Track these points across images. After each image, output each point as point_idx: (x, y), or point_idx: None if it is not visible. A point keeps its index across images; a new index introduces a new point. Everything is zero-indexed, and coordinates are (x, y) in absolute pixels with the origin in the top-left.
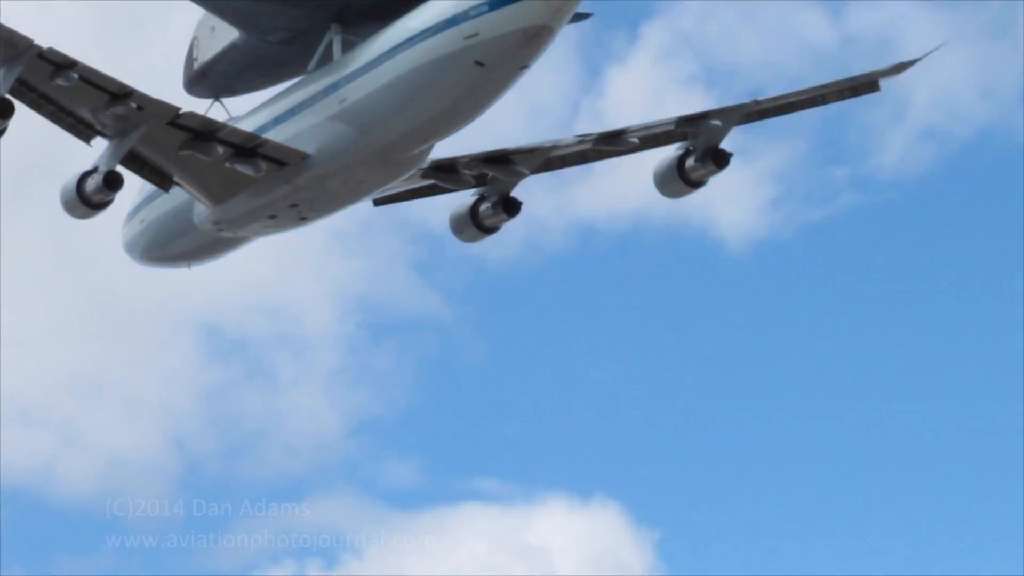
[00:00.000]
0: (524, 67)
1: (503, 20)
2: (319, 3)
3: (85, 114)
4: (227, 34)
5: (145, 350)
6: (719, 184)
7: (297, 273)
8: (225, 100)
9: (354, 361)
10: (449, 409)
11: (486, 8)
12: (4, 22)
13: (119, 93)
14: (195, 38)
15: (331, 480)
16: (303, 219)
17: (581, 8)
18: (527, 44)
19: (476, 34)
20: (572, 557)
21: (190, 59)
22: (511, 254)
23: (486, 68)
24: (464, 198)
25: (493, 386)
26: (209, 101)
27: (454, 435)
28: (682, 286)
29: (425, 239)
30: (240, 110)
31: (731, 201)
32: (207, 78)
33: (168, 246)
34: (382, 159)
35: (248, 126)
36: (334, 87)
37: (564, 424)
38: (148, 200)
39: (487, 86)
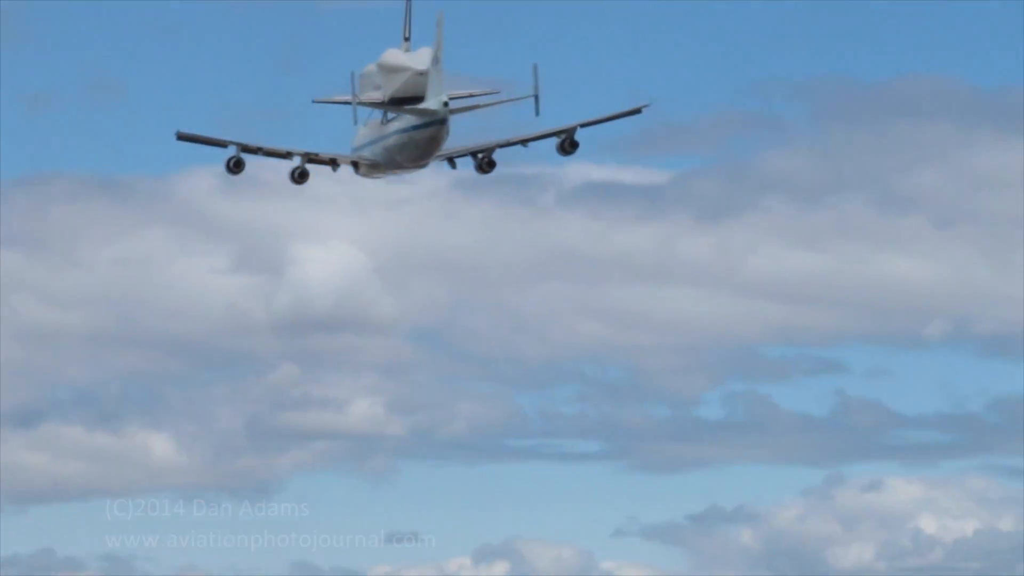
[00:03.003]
0: (438, 144)
1: (418, 134)
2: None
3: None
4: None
5: None
6: None
7: None
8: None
9: None
10: None
11: (411, 128)
12: None
13: (285, 152)
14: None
15: None
16: (398, 176)
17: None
18: (431, 141)
19: (411, 137)
20: None
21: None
22: None
23: (420, 147)
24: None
25: None
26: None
27: None
28: None
29: None
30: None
31: None
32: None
33: (361, 171)
34: (403, 167)
35: (357, 142)
36: (382, 137)
37: None
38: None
39: (426, 152)
